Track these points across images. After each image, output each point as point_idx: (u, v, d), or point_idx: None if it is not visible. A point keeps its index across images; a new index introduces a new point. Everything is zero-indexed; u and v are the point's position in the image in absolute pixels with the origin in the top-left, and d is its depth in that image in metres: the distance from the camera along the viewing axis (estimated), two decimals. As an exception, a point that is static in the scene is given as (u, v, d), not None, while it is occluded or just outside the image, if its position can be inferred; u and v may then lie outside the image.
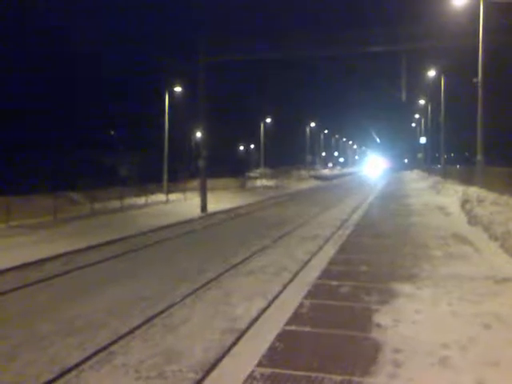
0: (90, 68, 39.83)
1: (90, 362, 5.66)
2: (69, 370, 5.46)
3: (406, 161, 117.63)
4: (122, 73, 42.91)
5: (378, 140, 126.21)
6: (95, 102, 40.59)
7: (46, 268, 10.77)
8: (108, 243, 13.77)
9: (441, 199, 23.53)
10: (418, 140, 66.55)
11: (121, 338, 6.37)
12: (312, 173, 70.96)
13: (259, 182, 47.05)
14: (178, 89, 32.93)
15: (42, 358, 5.83)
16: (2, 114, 32.20)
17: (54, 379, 5.27)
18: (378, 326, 5.83)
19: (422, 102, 54.44)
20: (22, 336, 6.57)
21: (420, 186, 38.41)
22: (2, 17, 32.92)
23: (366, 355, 5.00)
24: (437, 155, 56.39)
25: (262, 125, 64.49)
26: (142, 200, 25.86)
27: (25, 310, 7.82)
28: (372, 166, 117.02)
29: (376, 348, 5.16)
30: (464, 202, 17.39)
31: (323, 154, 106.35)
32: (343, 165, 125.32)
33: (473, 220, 14.32)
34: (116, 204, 23.17)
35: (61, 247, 12.62)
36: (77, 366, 5.56)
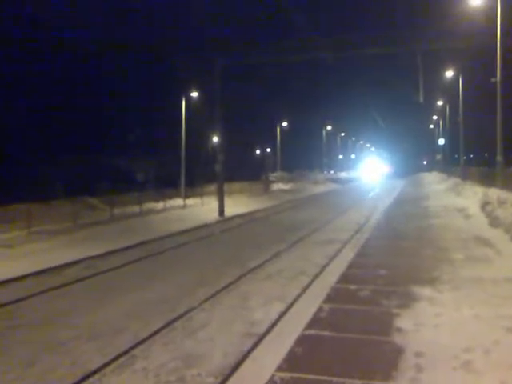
0: (107, 73, 40.27)
1: (111, 366, 5.70)
2: (90, 375, 5.51)
3: (424, 162, 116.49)
4: (139, 78, 43.29)
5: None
6: (111, 107, 41.02)
7: (67, 273, 10.90)
8: (128, 248, 13.89)
9: (460, 201, 23.21)
10: (436, 141, 65.88)
11: (141, 342, 6.41)
12: (329, 176, 70.69)
13: (276, 186, 46.99)
14: (194, 94, 33.13)
15: (63, 363, 5.89)
16: (21, 121, 32.75)
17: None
18: (399, 330, 5.76)
19: (440, 103, 53.89)
20: (44, 341, 6.65)
21: (439, 187, 37.97)
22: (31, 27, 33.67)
23: (387, 359, 4.95)
24: (456, 156, 55.73)
25: (278, 128, 64.50)
26: (160, 205, 26.01)
27: (46, 315, 7.91)
28: (369, 171, 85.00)
29: (397, 352, 5.10)
30: (484, 204, 17.14)
31: (340, 156, 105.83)
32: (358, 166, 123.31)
33: (494, 222, 14.10)
34: (134, 209, 23.35)
35: (81, 252, 12.76)
36: (98, 370, 5.61)
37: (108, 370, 5.63)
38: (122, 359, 5.89)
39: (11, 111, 32.19)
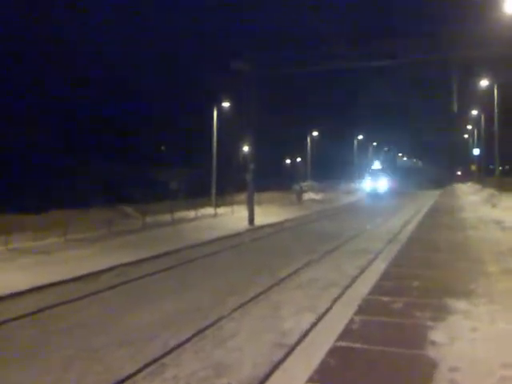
0: (142, 84, 41.11)
1: (142, 374, 5.76)
2: (122, 381, 5.57)
3: (459, 173, 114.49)
4: (171, 88, 44.07)
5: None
6: (146, 118, 41.80)
7: (101, 280, 11.08)
8: (159, 256, 14.04)
9: (496, 213, 22.64)
10: (471, 151, 64.64)
11: (172, 350, 6.45)
12: (360, 185, 69.84)
13: (306, 196, 46.79)
14: (226, 104, 33.47)
15: (96, 369, 5.97)
16: (56, 131, 33.77)
17: (108, 389, 5.41)
18: (433, 343, 5.64)
19: (474, 112, 52.82)
20: (78, 347, 6.76)
21: (474, 199, 37.18)
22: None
23: (421, 373, 4.84)
24: (491, 167, 54.45)
25: (308, 138, 64.34)
26: (191, 213, 26.25)
27: (79, 321, 8.05)
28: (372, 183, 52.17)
29: (431, 366, 4.98)
30: (522, 216, 16.67)
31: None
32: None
33: (532, 234, 13.69)
34: (167, 217, 23.63)
35: (115, 260, 12.96)
36: (130, 377, 5.67)
37: (139, 377, 5.69)
38: (152, 367, 5.95)
39: (46, 121, 33.21)
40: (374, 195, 47.00)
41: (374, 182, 50.67)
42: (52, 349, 6.74)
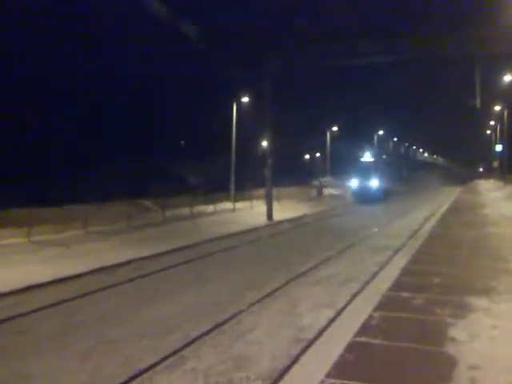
0: (160, 79, 41.26)
1: (161, 366, 5.82)
2: (141, 373, 5.64)
3: (481, 169, 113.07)
4: (191, 83, 44.15)
5: None
6: (166, 113, 41.99)
7: (120, 273, 11.21)
8: (178, 249, 14.15)
9: (519, 209, 22.26)
10: (493, 148, 63.61)
11: (191, 342, 6.50)
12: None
13: (325, 191, 46.58)
14: (245, 99, 33.52)
15: (115, 361, 6.05)
16: (78, 125, 34.20)
17: (128, 381, 5.47)
18: (453, 340, 5.58)
19: (497, 108, 51.87)
20: (97, 339, 6.85)
21: (496, 195, 36.58)
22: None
23: (440, 371, 4.79)
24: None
25: (328, 133, 63.91)
26: (210, 208, 26.36)
27: (98, 314, 8.15)
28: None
29: (451, 363, 4.93)
30: (546, 213, 16.35)
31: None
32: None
33: (556, 232, 13.42)
34: (186, 211, 23.77)
35: (134, 253, 13.10)
36: (149, 368, 5.73)
37: (158, 368, 5.75)
38: (172, 359, 6.00)
39: (69, 115, 33.64)
40: (361, 195, 37.24)
41: (362, 178, 38.80)
42: (71, 341, 6.83)
